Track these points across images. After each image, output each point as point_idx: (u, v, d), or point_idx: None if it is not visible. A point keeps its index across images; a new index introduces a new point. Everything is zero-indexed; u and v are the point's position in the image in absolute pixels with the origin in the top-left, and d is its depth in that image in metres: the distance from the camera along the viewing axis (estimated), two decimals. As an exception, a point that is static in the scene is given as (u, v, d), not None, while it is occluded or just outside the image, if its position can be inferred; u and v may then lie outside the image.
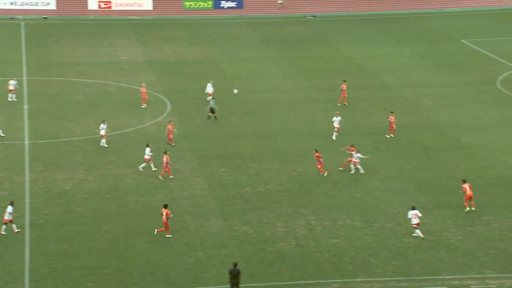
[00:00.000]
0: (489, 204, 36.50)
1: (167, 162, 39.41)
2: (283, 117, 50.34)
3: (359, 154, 40.64)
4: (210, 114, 48.28)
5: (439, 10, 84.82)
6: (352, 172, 40.39)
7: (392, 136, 45.35)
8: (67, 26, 75.41)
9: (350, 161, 40.47)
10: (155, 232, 33.77)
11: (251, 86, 57.38)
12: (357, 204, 37.20)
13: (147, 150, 40.84)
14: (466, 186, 36.14)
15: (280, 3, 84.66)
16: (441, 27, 76.11)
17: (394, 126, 45.41)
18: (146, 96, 51.71)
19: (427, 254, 32.35)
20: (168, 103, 52.81)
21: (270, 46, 69.25)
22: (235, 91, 51.41)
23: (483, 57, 63.84)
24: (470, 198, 35.80)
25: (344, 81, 52.91)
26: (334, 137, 45.19)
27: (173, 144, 43.91)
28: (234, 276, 28.92)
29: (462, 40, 69.74)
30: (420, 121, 48.88)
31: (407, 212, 35.79)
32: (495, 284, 29.78)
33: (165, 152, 40.16)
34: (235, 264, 29.22)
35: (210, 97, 50.46)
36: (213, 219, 35.51)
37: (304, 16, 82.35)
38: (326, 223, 35.39)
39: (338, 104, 51.37)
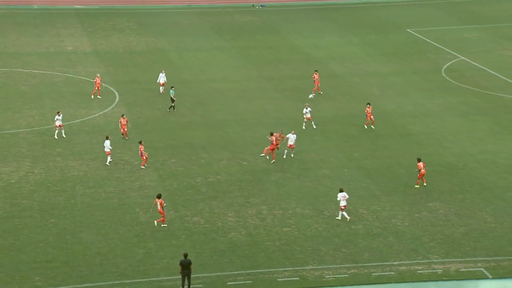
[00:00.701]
0: (435, 191, 37.21)
1: (141, 152, 39.56)
2: (233, 107, 50.25)
3: (292, 135, 40.74)
4: (172, 103, 48.30)
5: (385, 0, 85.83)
6: (284, 157, 40.65)
7: (373, 127, 45.43)
8: (11, 15, 73.54)
9: (271, 149, 40.41)
10: (155, 223, 33.35)
11: (200, 76, 57.07)
12: (307, 193, 37.43)
13: (107, 143, 40.35)
14: (421, 164, 37.39)
15: None
16: (387, 16, 77.05)
17: (371, 117, 45.62)
18: (99, 87, 50.91)
19: (376, 240, 32.81)
20: (117, 94, 52.10)
21: (219, 36, 68.95)
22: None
23: (428, 46, 64.91)
24: (423, 176, 37.18)
25: (316, 71, 53.33)
26: (314, 126, 45.38)
27: (127, 138, 43.41)
28: (185, 266, 28.80)
29: (408, 29, 70.74)
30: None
31: (356, 200, 36.23)
32: (440, 269, 30.41)
33: (140, 142, 40.16)
34: (185, 255, 29.09)
35: (161, 87, 50.54)
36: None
37: (253, 6, 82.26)
38: (277, 212, 35.52)
39: (312, 94, 51.46)
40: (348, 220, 34.16)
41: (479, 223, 33.91)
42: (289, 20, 75.93)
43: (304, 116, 45.58)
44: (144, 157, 39.76)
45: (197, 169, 40.06)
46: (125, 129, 43.51)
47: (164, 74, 52.04)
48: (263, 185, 38.36)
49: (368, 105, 46.23)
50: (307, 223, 34.44)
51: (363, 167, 40.43)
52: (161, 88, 51.69)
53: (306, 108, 45.71)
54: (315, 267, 30.81)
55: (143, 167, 39.65)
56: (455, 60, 59.52)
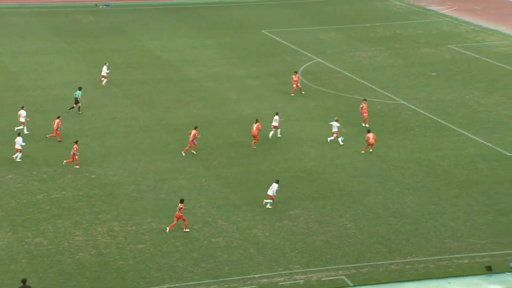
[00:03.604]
0: (296, 198, 38.01)
1: (74, 152, 40.38)
2: (78, 115, 48.71)
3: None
4: (75, 104, 48.24)
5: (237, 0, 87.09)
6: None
7: (366, 125, 46.67)
8: None
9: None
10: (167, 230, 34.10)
11: (39, 82, 54.92)
12: (163, 206, 36.93)
13: (19, 139, 40.27)
14: (370, 135, 42.38)
15: None
16: (241, 17, 78.22)
17: (365, 114, 47.19)
18: None
19: (236, 253, 32.93)
20: None
21: (59, 38, 66.81)
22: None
23: (284, 47, 66.52)
24: (371, 145, 42.49)
25: (295, 72, 53.96)
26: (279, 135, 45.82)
27: (59, 140, 43.51)
28: (25, 294, 27.43)
29: (263, 31, 72.18)
30: (225, 115, 49.74)
31: (216, 211, 36.26)
32: (302, 279, 31.00)
33: (76, 142, 40.65)
34: (24, 281, 27.71)
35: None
36: (0, 232, 33.38)
37: (96, 5, 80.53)
38: (130, 228, 34.72)
39: (292, 95, 52.35)
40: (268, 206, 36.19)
41: (339, 230, 35.00)
42: (137, 20, 75.06)
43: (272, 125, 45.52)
44: (74, 159, 40.47)
45: (39, 185, 38.39)
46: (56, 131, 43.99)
47: (107, 65, 54.45)
48: (115, 200, 37.41)
49: (364, 101, 47.73)
50: (163, 238, 33.93)
51: (221, 176, 40.53)
52: (105, 80, 53.85)
53: (275, 115, 45.81)
54: (173, 285, 30.38)
55: (77, 166, 40.40)
56: (311, 62, 61.40)
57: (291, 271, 31.58)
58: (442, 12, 79.55)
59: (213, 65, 60.96)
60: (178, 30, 71.86)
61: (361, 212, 36.59)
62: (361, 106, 47.93)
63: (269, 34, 70.98)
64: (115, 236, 33.90)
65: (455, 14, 78.06)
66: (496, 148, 43.92)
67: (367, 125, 46.88)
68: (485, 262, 32.11)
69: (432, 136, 45.93)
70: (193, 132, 42.68)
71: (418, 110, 50.09)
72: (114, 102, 51.67)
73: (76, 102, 48.59)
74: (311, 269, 31.69)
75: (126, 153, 43.13)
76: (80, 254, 32.29)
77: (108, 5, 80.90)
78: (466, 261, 32.34)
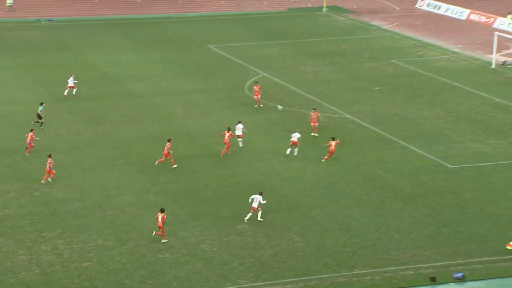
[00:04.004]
0: (244, 212, 38.05)
1: (50, 166, 40.13)
2: (20, 131, 47.87)
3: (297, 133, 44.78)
4: (38, 120, 48.01)
5: (183, 14, 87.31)
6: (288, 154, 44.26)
7: (315, 134, 47.75)
8: None
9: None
10: (153, 233, 34.48)
11: (-18, 98, 53.87)
12: (109, 222, 36.55)
13: None
14: (332, 142, 43.57)
15: (9, 5, 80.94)
16: (187, 32, 78.26)
17: (316, 124, 48.08)
18: None
19: (184, 269, 32.78)
20: None
21: (1, 54, 65.71)
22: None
23: (230, 62, 66.78)
24: (331, 153, 43.56)
25: (256, 82, 54.33)
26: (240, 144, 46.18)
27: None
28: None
29: (209, 46, 72.36)
30: (172, 130, 49.59)
31: (164, 226, 36.06)
32: (251, 294, 31.10)
33: (49, 156, 40.47)
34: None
35: (67, 90, 54.12)
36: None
37: (39, 20, 79.51)
38: (75, 245, 34.23)
39: (256, 106, 52.89)
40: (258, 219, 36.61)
41: (287, 244, 35.19)
42: (82, 36, 74.42)
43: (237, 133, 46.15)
44: (50, 173, 40.28)
45: (-19, 204, 37.57)
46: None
47: (72, 77, 54.91)
48: (60, 217, 36.87)
49: (314, 110, 48.42)
50: (109, 255, 33.56)
51: (169, 191, 40.36)
52: (67, 91, 54.35)
53: (240, 124, 46.41)
54: (121, 303, 30.06)
55: (48, 181, 40.28)
56: (257, 77, 61.79)
57: (239, 286, 31.60)
58: (384, 27, 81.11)
59: (160, 80, 60.78)
60: (123, 46, 71.49)
61: (308, 225, 36.89)
62: (310, 114, 48.75)
63: (215, 49, 71.18)
64: (60, 254, 33.39)
65: (397, 30, 79.69)
66: (438, 160, 44.90)
67: (316, 134, 47.66)
68: (429, 273, 32.70)
69: (377, 149, 46.69)
70: (167, 144, 42.81)
71: (363, 123, 50.88)
72: (58, 118, 51.02)
73: (40, 117, 48.34)
74: (259, 284, 31.76)
75: (71, 169, 42.62)
76: (24, 273, 31.69)
77: (51, 20, 79.96)
78: (411, 272, 32.89)
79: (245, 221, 36.64)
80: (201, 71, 63.80)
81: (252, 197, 36.81)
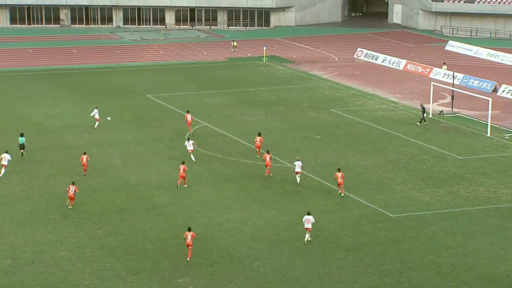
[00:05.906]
0: (184, 265, 37.59)
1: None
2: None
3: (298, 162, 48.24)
4: (22, 150, 51.66)
5: (122, 64, 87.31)
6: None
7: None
8: None
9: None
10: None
11: None
12: (43, 280, 35.56)
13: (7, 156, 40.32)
14: (339, 174, 46.20)
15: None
16: (125, 82, 78.10)
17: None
18: None
19: (124, 326, 32.02)
20: None
21: None
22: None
23: (169, 112, 66.76)
24: (340, 185, 46.36)
25: (188, 111, 59.68)
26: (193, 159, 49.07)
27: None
28: None
29: (148, 95, 72.29)
30: (110, 182, 49.00)
31: (100, 282, 35.26)
32: None
33: (73, 183, 43.45)
34: None
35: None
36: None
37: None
38: (7, 304, 33.18)
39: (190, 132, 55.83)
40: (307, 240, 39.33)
41: (231, 296, 34.87)
42: (14, 86, 73.54)
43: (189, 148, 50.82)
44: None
45: None
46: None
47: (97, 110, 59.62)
48: (-10, 275, 35.72)
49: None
50: (44, 314, 32.58)
51: (106, 245, 39.65)
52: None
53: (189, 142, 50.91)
54: None
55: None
56: (198, 127, 61.86)
57: None
58: (324, 77, 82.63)
59: (96, 131, 60.23)
60: (58, 96, 70.81)
61: (250, 278, 36.66)
62: (263, 157, 50.43)
63: (154, 99, 71.15)
64: (-8, 314, 32.24)
65: (336, 79, 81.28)
66: (379, 209, 45.46)
67: (270, 175, 49.70)
68: (374, 323, 32.75)
69: (318, 199, 47.03)
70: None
71: (305, 172, 51.29)
72: (-10, 171, 49.82)
73: (23, 147, 51.97)
74: None
75: (2, 225, 41.53)
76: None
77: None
78: (356, 323, 32.89)
79: (305, 242, 39.60)
80: (140, 121, 63.55)
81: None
